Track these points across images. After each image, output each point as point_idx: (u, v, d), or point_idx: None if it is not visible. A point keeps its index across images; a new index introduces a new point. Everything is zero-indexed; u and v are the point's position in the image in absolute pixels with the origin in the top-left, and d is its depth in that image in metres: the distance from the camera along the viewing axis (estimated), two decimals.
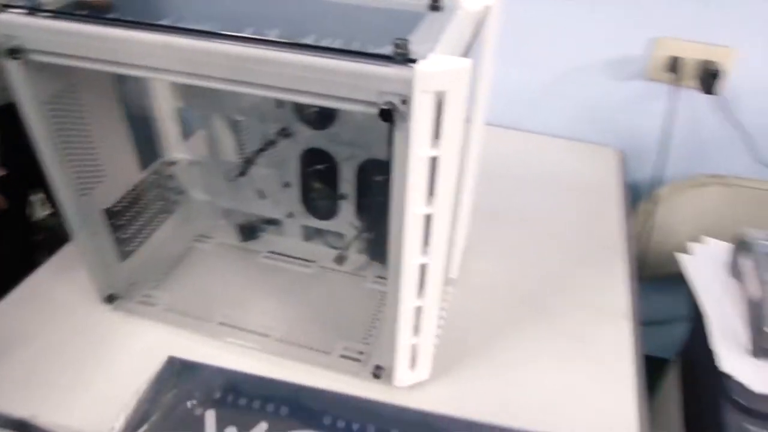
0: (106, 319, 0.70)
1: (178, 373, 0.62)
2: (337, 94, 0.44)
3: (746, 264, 0.75)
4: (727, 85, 0.92)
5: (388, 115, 0.42)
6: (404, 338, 0.58)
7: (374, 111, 0.43)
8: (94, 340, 0.67)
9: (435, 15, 0.51)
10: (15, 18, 0.50)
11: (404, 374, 0.62)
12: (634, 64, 0.96)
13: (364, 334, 0.68)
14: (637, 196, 1.06)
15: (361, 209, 0.74)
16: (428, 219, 0.49)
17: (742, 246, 0.79)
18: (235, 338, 0.67)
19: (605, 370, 0.66)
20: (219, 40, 0.45)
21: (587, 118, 1.05)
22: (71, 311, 0.71)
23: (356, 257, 0.78)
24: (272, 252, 0.79)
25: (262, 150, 0.71)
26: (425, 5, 0.53)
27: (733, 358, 0.69)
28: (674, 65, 0.92)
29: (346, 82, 0.43)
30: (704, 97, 0.94)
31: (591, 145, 1.07)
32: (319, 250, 0.80)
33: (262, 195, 0.76)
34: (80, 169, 0.62)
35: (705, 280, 0.81)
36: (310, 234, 0.81)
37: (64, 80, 0.58)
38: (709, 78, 0.89)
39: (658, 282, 1.02)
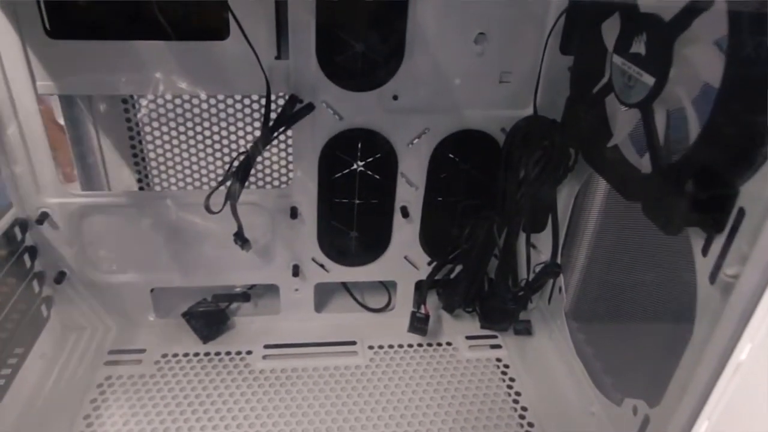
0: None
1: None
2: None
3: None
4: None
5: None
6: (699, 427, 0.29)
7: None
8: None
9: None
10: None
11: None
12: None
13: None
14: None
15: (434, 228, 0.43)
16: None
17: None
18: None
19: None
20: None
21: None
22: None
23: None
24: (272, 346, 0.43)
25: (258, 149, 0.36)
26: None
27: None
28: None
29: None
30: None
31: None
32: (349, 321, 0.46)
33: (244, 243, 0.40)
34: None
35: None
36: (325, 297, 0.47)
37: None
38: None
39: None
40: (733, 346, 0.26)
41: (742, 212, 0.25)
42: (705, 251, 0.27)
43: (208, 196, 0.35)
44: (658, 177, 0.29)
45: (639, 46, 0.29)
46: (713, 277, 0.27)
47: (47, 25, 0.34)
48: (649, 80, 0.28)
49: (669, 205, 0.27)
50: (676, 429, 0.30)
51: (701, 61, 0.25)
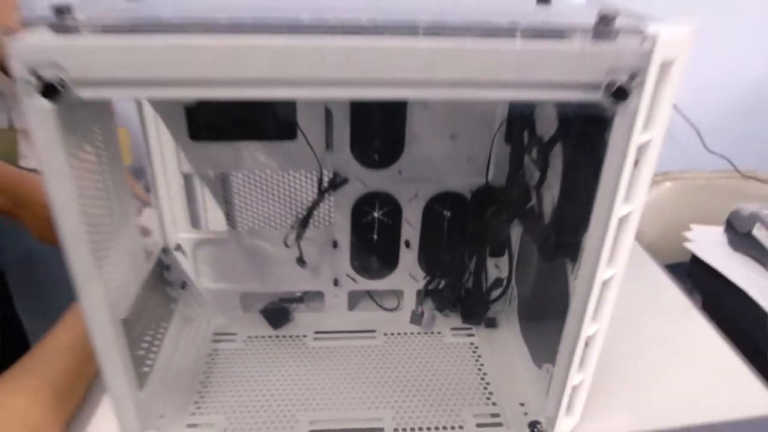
0: None
1: None
2: (549, 80, 0.36)
3: (760, 234, 0.81)
4: None
5: (622, 94, 0.36)
6: (572, 377, 0.49)
7: (592, 96, 0.37)
8: None
9: (547, 8, 0.47)
10: (57, 39, 0.34)
11: (563, 422, 0.53)
12: None
13: (483, 392, 0.57)
14: None
15: (427, 254, 0.64)
16: (622, 222, 0.43)
17: (741, 222, 0.85)
18: None
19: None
20: (390, 35, 0.35)
21: None
22: None
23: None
24: (320, 332, 0.65)
25: (314, 207, 0.59)
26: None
27: None
28: None
29: (569, 65, 0.36)
30: None
31: None
32: (372, 317, 0.67)
33: (302, 264, 0.62)
34: (102, 261, 0.44)
35: (721, 260, 0.85)
36: (355, 301, 0.68)
37: (94, 126, 0.41)
38: None
39: None
40: (581, 328, 0.46)
41: (582, 250, 0.45)
42: (572, 271, 0.48)
43: (286, 236, 0.57)
44: (543, 229, 0.49)
45: (534, 152, 0.50)
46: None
47: (189, 133, 0.57)
48: (537, 174, 0.48)
49: (546, 246, 0.48)
50: (562, 378, 0.50)
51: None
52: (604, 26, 0.36)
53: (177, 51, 0.34)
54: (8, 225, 0.71)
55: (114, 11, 0.39)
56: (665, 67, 0.37)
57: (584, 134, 0.42)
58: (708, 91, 1.06)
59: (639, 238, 1.05)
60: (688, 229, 0.95)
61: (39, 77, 0.34)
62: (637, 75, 0.36)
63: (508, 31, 0.36)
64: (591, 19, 0.36)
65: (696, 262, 0.90)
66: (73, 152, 0.38)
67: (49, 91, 0.34)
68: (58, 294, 1.11)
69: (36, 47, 0.33)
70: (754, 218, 0.82)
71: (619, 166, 0.39)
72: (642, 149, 0.39)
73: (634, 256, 0.83)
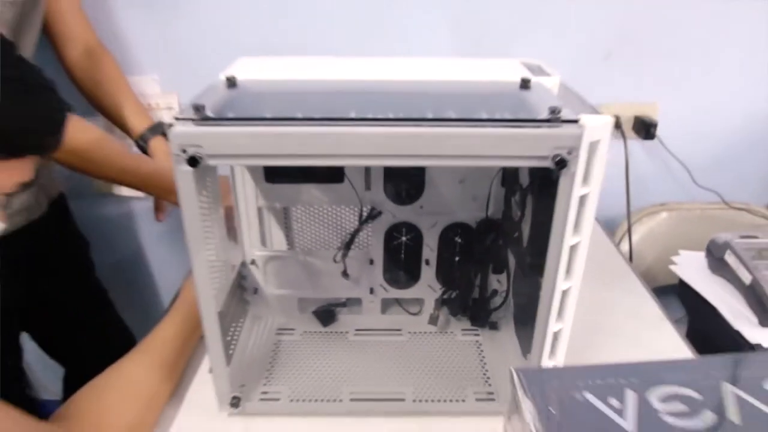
0: (234, 425, 0.68)
1: None
2: (514, 154, 0.54)
3: (731, 260, 0.95)
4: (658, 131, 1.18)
5: (563, 164, 0.53)
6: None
7: (544, 164, 0.54)
8: None
9: (527, 92, 0.65)
10: (197, 128, 0.53)
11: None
12: None
13: (482, 377, 0.74)
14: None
15: (442, 271, 0.82)
16: (573, 248, 0.60)
17: (717, 249, 0.99)
18: (375, 409, 0.69)
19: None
20: (407, 125, 0.53)
21: None
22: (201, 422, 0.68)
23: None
24: (359, 330, 0.83)
25: (356, 233, 0.78)
26: (516, 85, 0.66)
27: (755, 332, 0.86)
28: (617, 122, 1.16)
29: (526, 144, 0.53)
30: (641, 143, 1.19)
31: None
32: (399, 319, 0.85)
33: (346, 276, 0.81)
34: (211, 267, 0.64)
35: (700, 282, 1.00)
36: (386, 306, 0.87)
37: (208, 177, 0.62)
38: (646, 127, 1.14)
39: None
40: (548, 326, 0.63)
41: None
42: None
43: (335, 256, 0.77)
44: (522, 252, 0.66)
45: (518, 195, 0.68)
46: None
47: (265, 177, 0.77)
48: (518, 212, 0.66)
49: (523, 264, 0.65)
50: (536, 360, 0.66)
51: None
52: (552, 117, 0.54)
53: (271, 137, 0.53)
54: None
55: (224, 101, 0.59)
56: (593, 145, 0.54)
57: (545, 186, 0.59)
58: (700, 130, 1.21)
59: (637, 261, 1.21)
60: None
61: (186, 152, 0.54)
62: (573, 150, 0.53)
63: (487, 121, 0.54)
64: (546, 111, 0.54)
65: (683, 284, 1.04)
66: (198, 193, 0.58)
67: (192, 161, 0.54)
68: (145, 298, 1.34)
69: (184, 134, 0.53)
70: (726, 246, 0.96)
71: (566, 210, 0.56)
72: (583, 198, 0.56)
73: (625, 277, 1.01)
